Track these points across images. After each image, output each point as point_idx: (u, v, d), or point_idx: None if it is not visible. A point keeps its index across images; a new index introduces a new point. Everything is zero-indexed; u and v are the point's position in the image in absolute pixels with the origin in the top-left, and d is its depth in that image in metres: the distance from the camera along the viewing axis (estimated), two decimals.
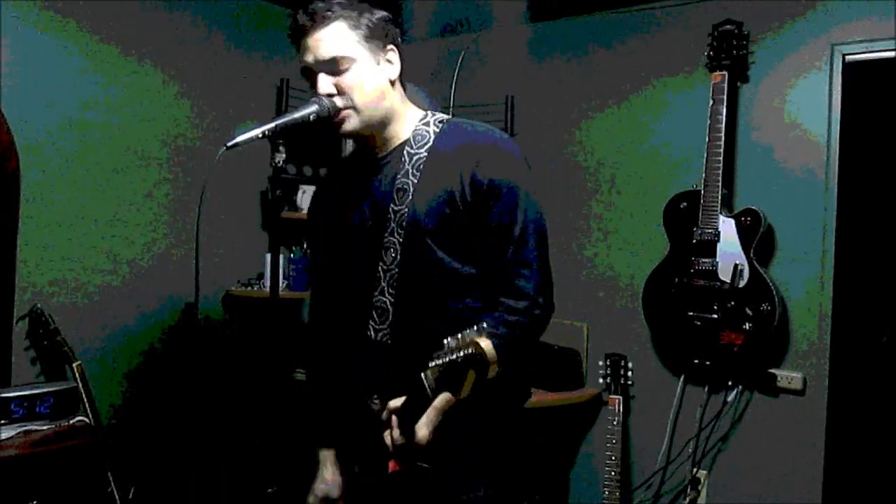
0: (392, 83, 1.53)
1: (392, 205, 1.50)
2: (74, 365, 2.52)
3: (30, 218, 2.57)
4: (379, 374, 1.54)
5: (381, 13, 1.51)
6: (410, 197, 1.48)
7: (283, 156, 1.45)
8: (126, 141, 2.84)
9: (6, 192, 2.49)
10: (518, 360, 1.55)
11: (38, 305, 2.54)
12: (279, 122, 1.42)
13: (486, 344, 1.15)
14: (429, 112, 1.59)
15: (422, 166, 1.49)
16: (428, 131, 1.53)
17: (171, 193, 2.98)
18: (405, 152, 1.52)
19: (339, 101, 1.45)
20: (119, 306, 2.85)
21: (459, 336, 1.20)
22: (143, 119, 2.89)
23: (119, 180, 2.83)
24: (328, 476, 1.69)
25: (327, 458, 1.71)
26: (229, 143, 1.37)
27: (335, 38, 1.45)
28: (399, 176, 1.50)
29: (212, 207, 2.97)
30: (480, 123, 1.57)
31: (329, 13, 1.45)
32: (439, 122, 1.56)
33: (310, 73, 1.49)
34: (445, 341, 1.23)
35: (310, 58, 1.46)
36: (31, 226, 2.57)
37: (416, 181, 1.48)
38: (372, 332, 1.54)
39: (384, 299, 1.52)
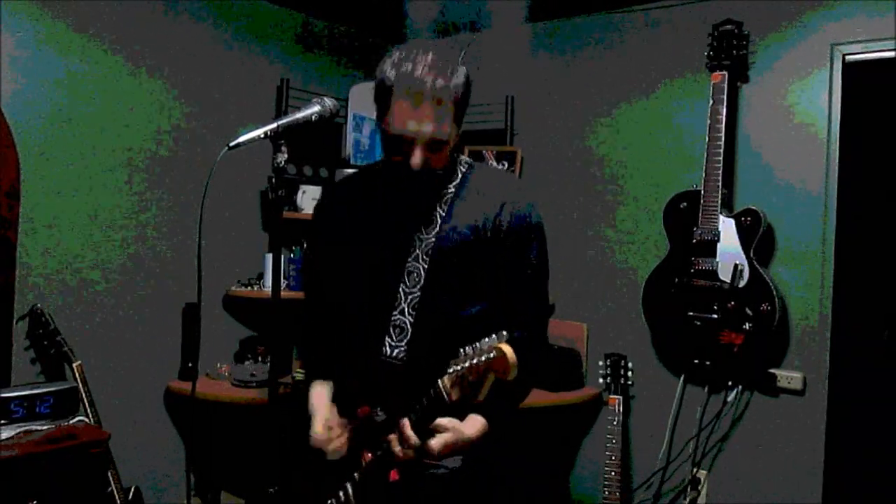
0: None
1: (418, 233, 1.55)
2: (74, 365, 2.52)
3: (30, 218, 2.57)
4: (386, 388, 1.55)
5: (467, 74, 1.50)
6: (437, 229, 1.54)
7: (285, 156, 1.44)
8: (127, 141, 2.84)
9: (6, 192, 2.49)
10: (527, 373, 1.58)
11: (38, 305, 2.54)
12: (282, 122, 1.43)
13: (507, 349, 1.22)
14: (457, 153, 1.63)
15: (450, 201, 1.56)
16: (457, 170, 1.60)
17: (171, 194, 2.98)
18: (435, 185, 1.56)
19: (418, 160, 1.45)
20: (119, 306, 2.85)
21: (477, 344, 1.26)
22: (144, 119, 2.89)
23: (120, 181, 2.82)
24: (319, 427, 1.62)
25: (318, 406, 1.66)
26: (231, 144, 1.37)
27: (446, 122, 1.46)
28: (427, 206, 1.56)
29: (212, 208, 2.97)
30: (501, 169, 1.61)
31: (449, 96, 1.44)
32: (466, 162, 1.65)
33: (401, 137, 1.45)
34: (461, 350, 1.29)
35: (412, 129, 1.43)
36: (31, 225, 2.57)
37: (444, 214, 1.56)
38: (387, 349, 1.56)
39: (404, 319, 1.55)
